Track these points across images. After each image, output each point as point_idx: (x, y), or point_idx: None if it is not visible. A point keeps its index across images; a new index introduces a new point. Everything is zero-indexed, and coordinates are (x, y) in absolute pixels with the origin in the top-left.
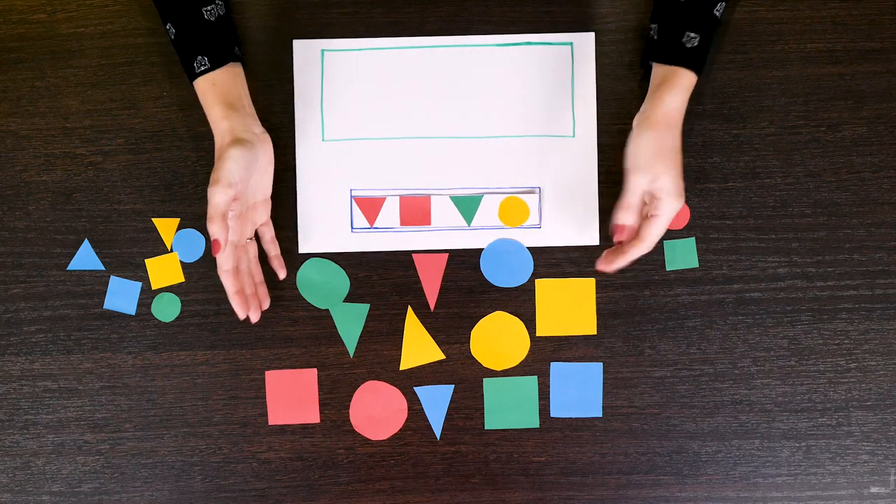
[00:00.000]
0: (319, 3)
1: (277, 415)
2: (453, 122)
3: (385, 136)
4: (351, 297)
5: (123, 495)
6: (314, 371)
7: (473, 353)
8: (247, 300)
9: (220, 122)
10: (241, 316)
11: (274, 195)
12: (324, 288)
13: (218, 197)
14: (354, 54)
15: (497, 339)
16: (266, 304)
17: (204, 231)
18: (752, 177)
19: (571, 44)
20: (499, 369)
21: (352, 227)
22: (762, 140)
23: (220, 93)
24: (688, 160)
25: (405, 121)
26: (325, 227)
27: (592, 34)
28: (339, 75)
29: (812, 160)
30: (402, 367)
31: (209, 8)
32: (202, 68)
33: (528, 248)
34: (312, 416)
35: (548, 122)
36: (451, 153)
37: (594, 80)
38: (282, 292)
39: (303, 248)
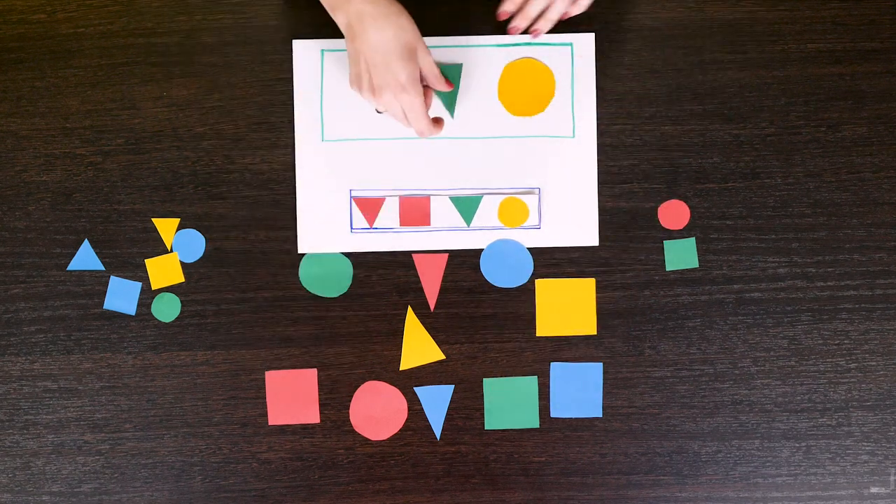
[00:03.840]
0: (319, 4)
1: (277, 415)
2: (452, 123)
3: (384, 137)
4: (351, 295)
5: (123, 495)
6: (314, 371)
7: (500, 99)
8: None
9: None
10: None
11: (274, 195)
12: (327, 277)
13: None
14: None
15: (523, 86)
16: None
17: (204, 231)
18: (752, 177)
19: (571, 44)
20: (526, 116)
21: (351, 228)
22: (762, 140)
23: None
24: (688, 160)
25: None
26: (325, 228)
27: (592, 35)
28: (339, 75)
29: (812, 160)
30: (402, 367)
31: None
32: None
33: (528, 248)
34: (312, 416)
35: (547, 123)
36: (450, 153)
37: (594, 81)
38: (282, 292)
39: (302, 248)
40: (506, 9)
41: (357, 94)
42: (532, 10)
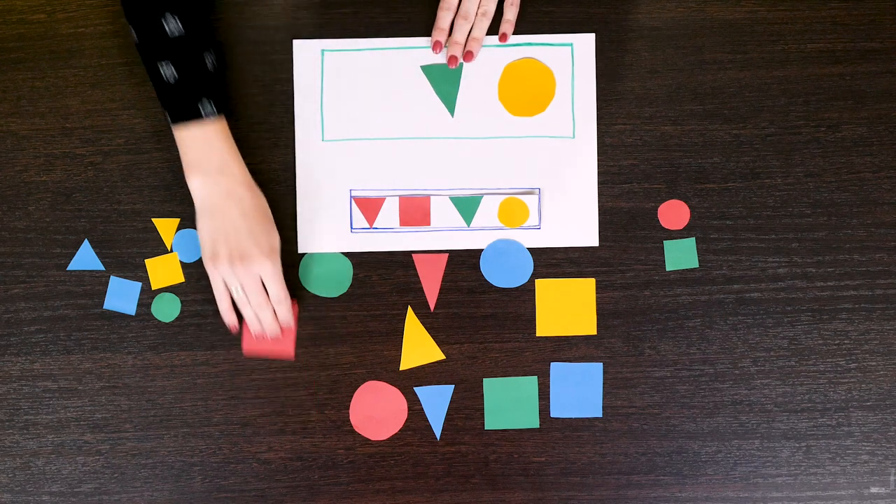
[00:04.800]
0: (319, 3)
1: (251, 343)
2: (453, 123)
3: (385, 137)
4: (351, 295)
5: (123, 495)
6: (294, 302)
7: (500, 99)
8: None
9: (243, 166)
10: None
11: (274, 195)
12: (327, 277)
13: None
14: (354, 54)
15: (524, 86)
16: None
17: None
18: (752, 177)
19: (572, 45)
20: (526, 116)
21: (351, 228)
22: (762, 140)
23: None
24: (688, 160)
25: (405, 121)
26: (325, 228)
27: (593, 35)
28: (339, 75)
29: (812, 160)
30: (402, 368)
31: (210, 54)
32: (208, 111)
33: (528, 248)
34: (287, 350)
35: (548, 123)
36: (450, 154)
37: (594, 82)
38: None
39: (302, 248)
40: (438, 39)
41: (211, 271)
42: (459, 36)
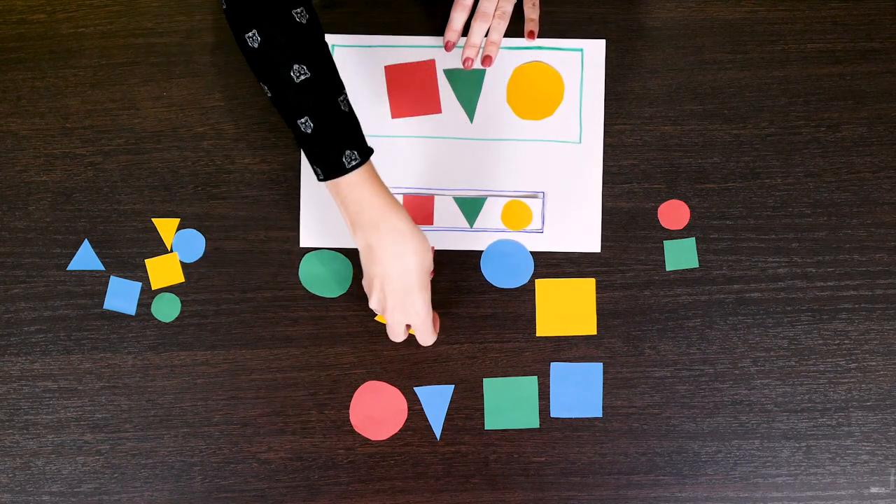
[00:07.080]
0: (319, 3)
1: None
2: (460, 123)
3: (391, 135)
4: (351, 295)
5: (123, 495)
6: (432, 62)
7: (508, 102)
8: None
9: (398, 211)
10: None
11: (276, 195)
12: (327, 277)
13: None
14: (363, 50)
15: (532, 89)
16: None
17: (204, 231)
18: (752, 177)
19: (582, 50)
20: (534, 119)
21: None
22: (762, 140)
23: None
24: (688, 160)
25: (411, 119)
26: (328, 224)
27: (603, 42)
28: (347, 71)
29: (812, 160)
30: (401, 368)
31: (342, 98)
32: (353, 163)
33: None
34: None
35: (554, 128)
36: (456, 154)
37: (603, 88)
38: (282, 292)
39: (304, 243)
40: (449, 39)
41: (370, 299)
42: (475, 38)
